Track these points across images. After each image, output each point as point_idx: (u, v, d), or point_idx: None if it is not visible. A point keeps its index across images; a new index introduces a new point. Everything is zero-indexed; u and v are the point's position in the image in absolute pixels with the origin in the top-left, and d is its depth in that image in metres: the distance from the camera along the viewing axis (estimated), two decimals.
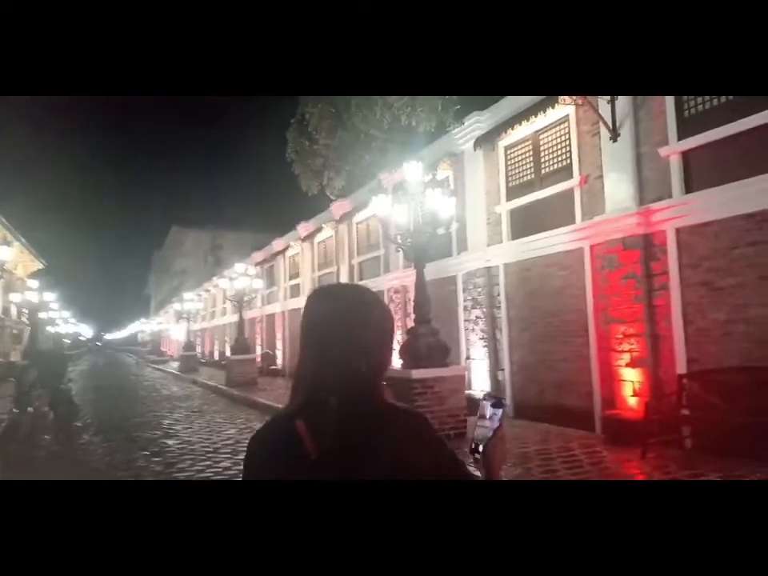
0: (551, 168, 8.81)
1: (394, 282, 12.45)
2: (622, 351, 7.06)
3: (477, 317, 9.85)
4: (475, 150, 9.71)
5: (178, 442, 8.51)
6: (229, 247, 38.76)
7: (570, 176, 8.30)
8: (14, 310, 27.02)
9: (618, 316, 7.17)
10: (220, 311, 30.10)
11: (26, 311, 21.30)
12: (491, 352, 9.52)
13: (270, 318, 21.72)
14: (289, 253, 20.36)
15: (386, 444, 0.96)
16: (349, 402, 0.98)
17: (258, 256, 22.99)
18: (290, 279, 20.42)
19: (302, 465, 0.95)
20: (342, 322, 1.00)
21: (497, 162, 9.74)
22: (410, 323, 8.30)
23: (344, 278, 15.54)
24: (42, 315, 27.26)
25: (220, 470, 6.58)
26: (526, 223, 9.06)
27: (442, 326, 10.02)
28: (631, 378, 6.94)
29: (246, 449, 1.10)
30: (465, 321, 10.15)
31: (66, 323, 47.14)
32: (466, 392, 9.07)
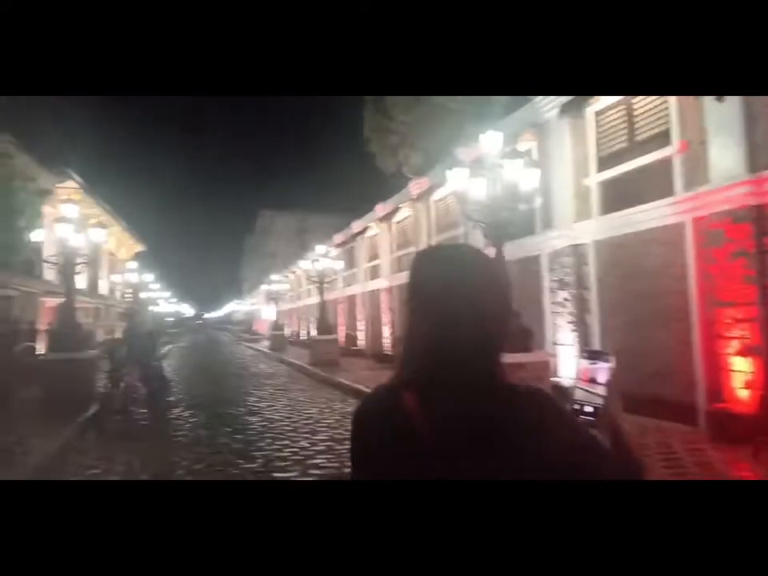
0: (647, 134, 7.97)
1: None
2: (731, 338, 6.28)
3: (564, 299, 9.23)
4: (561, 117, 9.00)
5: (260, 419, 8.70)
6: (314, 230, 39.58)
7: (669, 142, 7.47)
8: (118, 291, 29.16)
9: (725, 298, 6.37)
10: (305, 293, 30.85)
11: (129, 291, 22.81)
12: (580, 337, 8.89)
13: (351, 299, 21.91)
14: (368, 234, 20.32)
15: (511, 428, 0.85)
16: (467, 378, 0.88)
17: (339, 238, 23.19)
18: (369, 261, 20.41)
19: (411, 444, 0.87)
20: (457, 286, 0.90)
21: (585, 131, 8.98)
22: None
23: None
24: (143, 295, 29.28)
25: (297, 449, 6.61)
26: (618, 196, 8.30)
27: (524, 310, 9.50)
28: (742, 368, 6.16)
29: (351, 424, 1.01)
30: (551, 304, 9.55)
31: (168, 303, 50.51)
32: (552, 380, 8.55)
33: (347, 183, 38.50)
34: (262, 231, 55.54)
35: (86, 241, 10.89)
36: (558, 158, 9.36)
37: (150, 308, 38.42)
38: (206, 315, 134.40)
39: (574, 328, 9.00)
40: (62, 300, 11.04)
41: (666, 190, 7.40)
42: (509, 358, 4.30)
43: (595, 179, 8.77)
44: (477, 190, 7.35)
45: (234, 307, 77.71)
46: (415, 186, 14.95)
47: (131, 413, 8.68)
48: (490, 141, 7.38)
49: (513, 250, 9.89)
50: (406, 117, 11.25)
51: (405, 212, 16.64)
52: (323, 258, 17.71)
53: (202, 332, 73.15)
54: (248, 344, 33.33)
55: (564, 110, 8.84)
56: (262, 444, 6.96)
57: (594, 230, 8.64)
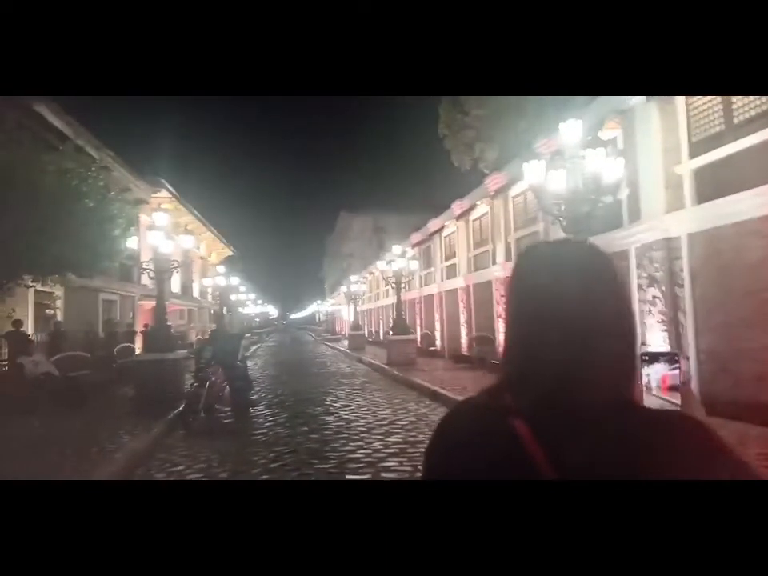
0: (747, 115, 7.23)
1: None
2: None
3: (654, 296, 8.59)
4: (648, 101, 8.37)
5: (336, 419, 8.78)
6: (391, 230, 39.72)
7: None
8: (209, 294, 30.72)
9: None
10: (383, 293, 31.07)
11: (218, 294, 23.97)
12: (672, 338, 8.23)
13: (428, 299, 21.74)
14: (444, 233, 20.07)
15: (656, 464, 0.70)
16: (597, 405, 0.74)
17: (416, 237, 23.10)
18: (446, 260, 20.14)
19: (521, 475, 0.73)
20: (578, 289, 0.77)
21: (676, 114, 8.30)
22: None
23: (500, 257, 14.80)
24: (231, 297, 30.73)
25: (370, 451, 6.57)
26: (714, 184, 7.59)
27: None
28: None
29: (433, 433, 0.88)
30: (639, 302, 8.91)
31: (255, 304, 52.78)
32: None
33: (425, 182, 38.40)
34: (340, 232, 56.61)
35: (176, 247, 11.54)
36: (646, 146, 8.71)
37: (237, 310, 40.29)
38: (291, 316, 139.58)
39: (664, 328, 8.34)
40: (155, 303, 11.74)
41: None
42: None
43: (688, 166, 8.08)
44: (556, 183, 6.99)
45: (316, 308, 79.88)
46: (492, 182, 14.55)
47: (216, 411, 9.05)
48: (570, 130, 6.99)
49: (599, 245, 9.35)
50: (481, 110, 10.97)
51: (482, 209, 16.26)
52: (399, 258, 17.69)
53: (287, 332, 75.84)
54: (329, 343, 34.06)
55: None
56: (336, 444, 6.99)
57: (687, 221, 7.96)
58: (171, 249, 11.25)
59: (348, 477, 5.55)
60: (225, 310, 28.20)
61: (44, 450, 6.34)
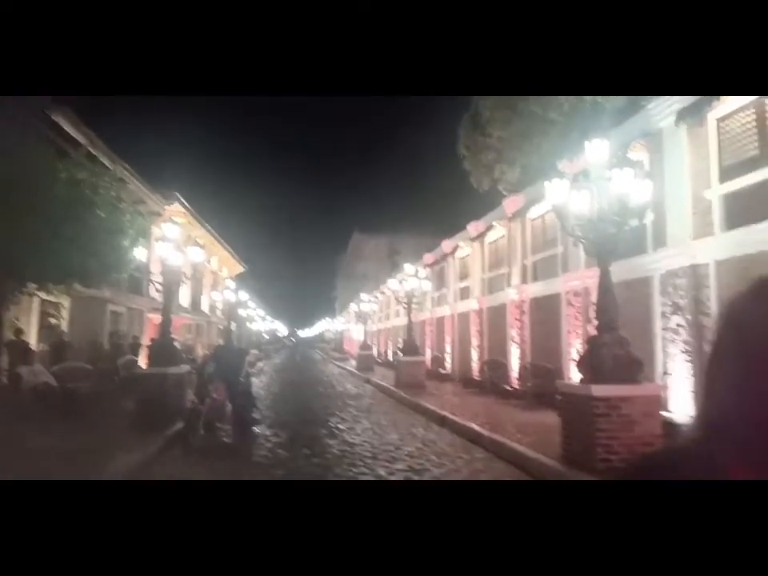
0: None
1: (573, 284, 11.08)
2: None
3: (678, 325, 8.17)
4: (677, 125, 8.08)
5: (340, 443, 8.39)
6: (406, 252, 39.46)
7: None
8: (218, 308, 30.53)
9: None
10: (394, 313, 30.69)
11: (225, 309, 23.72)
12: (696, 368, 7.79)
13: (440, 320, 21.35)
14: (458, 254, 19.74)
15: None
16: None
17: (429, 258, 22.81)
18: (460, 281, 19.78)
19: None
20: None
21: (706, 138, 7.98)
22: (592, 331, 7.10)
23: (515, 280, 14.43)
24: (242, 313, 30.52)
25: (373, 479, 6.18)
26: (745, 210, 7.23)
27: (632, 336, 8.55)
28: None
29: None
30: (662, 330, 8.51)
31: (263, 320, 52.57)
32: (663, 414, 7.55)
33: (442, 204, 38.21)
34: (353, 253, 56.58)
35: (185, 260, 11.34)
36: (674, 170, 8.40)
37: (246, 325, 40.04)
38: (300, 333, 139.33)
39: (688, 358, 7.91)
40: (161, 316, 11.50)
41: None
42: (614, 391, 3.61)
43: (718, 191, 7.73)
44: (579, 204, 6.67)
45: (325, 326, 79.54)
46: (510, 204, 14.27)
47: (216, 429, 8.71)
48: (595, 149, 6.69)
49: (621, 271, 8.98)
50: (504, 132, 10.71)
51: (498, 231, 15.96)
52: (411, 277, 17.39)
53: (296, 349, 75.46)
54: (337, 362, 33.64)
55: (680, 116, 7.93)
56: (338, 470, 6.60)
57: (715, 248, 7.59)
58: (180, 261, 11.04)
59: (345, 477, 5.17)
60: (233, 326, 27.99)
61: (27, 462, 6.01)
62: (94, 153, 13.03)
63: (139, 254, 10.89)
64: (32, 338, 12.27)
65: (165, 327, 10.87)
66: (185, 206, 23.41)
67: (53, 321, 13.00)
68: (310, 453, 7.62)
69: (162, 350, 10.43)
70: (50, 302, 12.81)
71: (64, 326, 13.63)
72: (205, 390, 8.38)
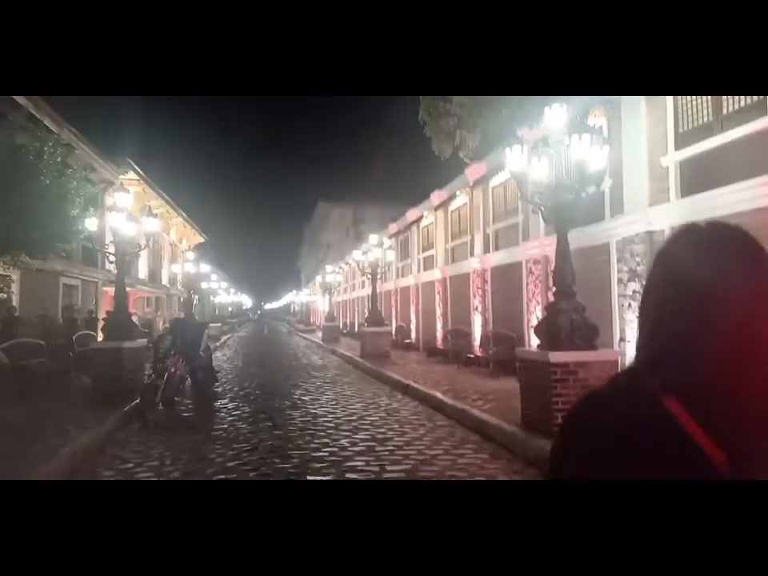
0: (737, 105, 6.99)
1: (533, 252, 11.17)
2: None
3: (634, 291, 8.34)
4: None
5: (303, 414, 8.35)
6: (370, 221, 39.21)
7: (764, 112, 6.48)
8: (179, 281, 29.84)
9: None
10: (359, 284, 30.61)
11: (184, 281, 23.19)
12: None
13: (405, 290, 21.39)
14: (423, 223, 19.69)
15: None
16: (753, 381, 0.70)
17: (393, 228, 22.70)
18: (424, 251, 19.78)
19: (684, 463, 0.70)
20: (741, 274, 0.73)
21: (664, 104, 8.02)
22: (552, 298, 7.17)
23: (478, 249, 14.49)
24: (204, 285, 29.92)
25: (335, 449, 6.17)
26: (701, 177, 7.34)
27: (590, 303, 8.66)
28: None
29: (563, 429, 0.81)
30: (619, 296, 8.67)
31: (228, 293, 51.76)
32: None
33: (408, 172, 37.84)
34: (318, 222, 55.90)
35: (139, 230, 10.92)
36: (632, 136, 8.44)
37: (209, 298, 39.36)
38: (266, 306, 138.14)
39: None
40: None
41: (758, 168, 6.42)
42: (571, 357, 3.64)
43: (674, 158, 7.82)
44: (538, 171, 6.65)
45: (292, 298, 79.00)
46: (472, 172, 14.21)
47: (176, 404, 8.55)
48: (554, 114, 6.64)
49: (579, 238, 9.06)
50: (464, 97, 10.54)
51: (461, 199, 15.93)
52: (375, 247, 17.27)
53: (261, 322, 74.86)
54: (303, 335, 33.52)
55: None
56: (301, 442, 6.57)
57: (671, 214, 7.71)
58: (133, 232, 10.64)
59: (309, 477, 5.15)
60: (196, 299, 27.38)
61: None
62: (38, 116, 12.30)
63: (90, 224, 10.44)
64: None
65: (119, 300, 10.52)
66: (139, 175, 22.57)
67: (1, 295, 12.42)
68: (272, 425, 7.55)
69: (117, 324, 10.12)
70: None
71: (14, 300, 13.06)
72: (162, 364, 8.17)
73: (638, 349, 0.84)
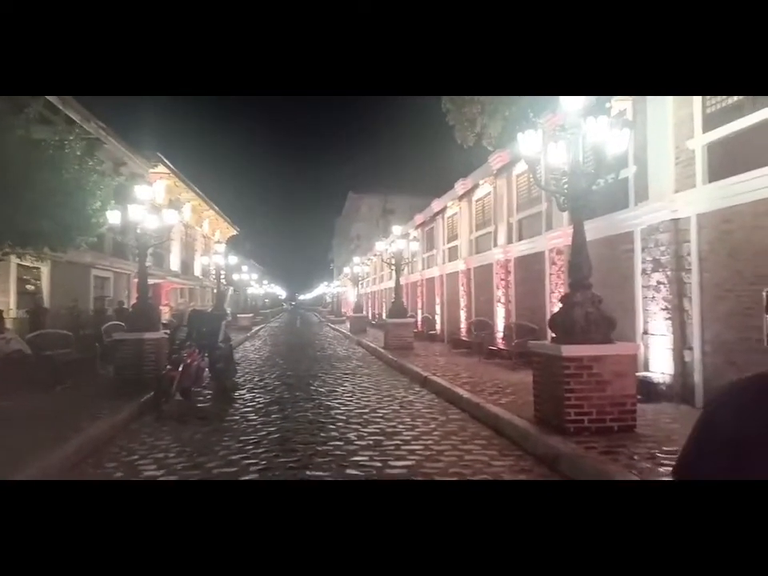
0: None
1: (556, 242, 10.81)
2: None
3: (658, 282, 7.96)
4: None
5: (315, 406, 8.31)
6: (399, 211, 38.95)
7: None
8: (212, 273, 30.26)
9: None
10: (387, 275, 30.50)
11: (221, 273, 23.46)
12: (676, 326, 7.62)
13: (430, 281, 21.15)
14: (447, 213, 19.38)
15: None
16: None
17: (419, 218, 22.45)
18: (448, 242, 19.47)
19: None
20: None
21: None
22: None
23: (501, 239, 14.15)
24: (235, 277, 30.29)
25: (341, 443, 6.08)
26: (730, 160, 6.92)
27: (614, 294, 8.35)
28: None
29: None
30: (643, 287, 8.30)
31: (260, 285, 52.43)
32: (641, 374, 7.44)
33: (437, 162, 37.44)
34: (348, 213, 55.99)
35: (163, 222, 11.03)
36: (657, 119, 8.02)
37: (240, 290, 39.89)
38: (300, 297, 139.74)
39: (668, 315, 7.73)
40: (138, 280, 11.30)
41: None
42: (585, 351, 3.43)
43: (701, 140, 7.39)
44: (554, 156, 6.37)
45: (324, 289, 79.54)
46: (496, 160, 13.87)
47: (192, 395, 8.61)
48: (570, 99, 6.33)
49: (602, 227, 8.73)
50: None
51: (485, 188, 15.59)
52: (399, 239, 17.10)
53: (294, 313, 75.71)
54: (333, 325, 33.66)
55: None
56: (307, 435, 6.51)
57: (698, 200, 7.30)
58: (156, 224, 10.75)
59: (308, 473, 5.08)
60: (230, 290, 27.72)
61: None
62: (64, 110, 12.55)
63: (112, 216, 10.59)
64: (11, 305, 12.11)
65: (142, 291, 10.68)
66: (169, 168, 22.91)
67: (29, 287, 12.79)
68: (281, 417, 7.53)
69: (141, 315, 10.28)
70: (27, 267, 12.58)
71: (44, 292, 13.44)
72: (177, 355, 8.23)
73: None
